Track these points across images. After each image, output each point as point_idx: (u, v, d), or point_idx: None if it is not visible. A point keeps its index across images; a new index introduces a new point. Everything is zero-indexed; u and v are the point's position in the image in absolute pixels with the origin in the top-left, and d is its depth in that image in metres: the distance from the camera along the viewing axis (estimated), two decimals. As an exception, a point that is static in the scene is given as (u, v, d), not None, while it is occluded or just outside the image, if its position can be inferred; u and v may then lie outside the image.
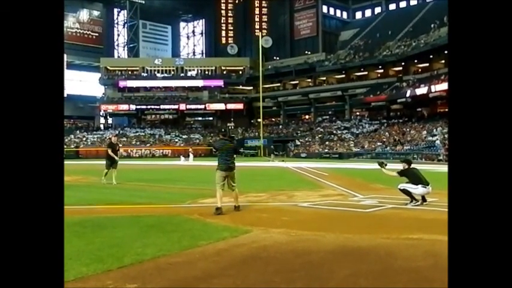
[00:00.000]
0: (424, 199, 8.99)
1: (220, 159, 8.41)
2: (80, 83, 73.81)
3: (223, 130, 9.29)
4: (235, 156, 8.68)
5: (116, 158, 15.38)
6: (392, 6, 72.54)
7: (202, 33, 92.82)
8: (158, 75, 72.53)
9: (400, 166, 9.61)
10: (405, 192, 9.02)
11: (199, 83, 71.70)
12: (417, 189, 8.94)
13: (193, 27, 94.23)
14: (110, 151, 15.51)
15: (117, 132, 64.47)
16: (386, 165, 9.72)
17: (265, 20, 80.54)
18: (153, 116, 72.05)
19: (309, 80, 67.39)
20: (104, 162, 15.94)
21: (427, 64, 51.55)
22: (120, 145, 18.23)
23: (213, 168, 8.80)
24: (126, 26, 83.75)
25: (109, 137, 29.51)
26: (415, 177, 9.12)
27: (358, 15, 77.42)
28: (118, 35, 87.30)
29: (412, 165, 9.58)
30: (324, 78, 65.48)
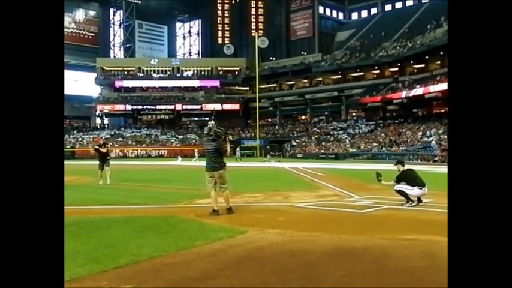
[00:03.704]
0: (419, 200, 9.02)
1: (205, 159, 8.33)
2: (76, 83, 73.63)
3: (205, 128, 9.43)
4: (233, 154, 8.55)
5: (105, 155, 15.67)
6: (388, 7, 72.72)
7: (198, 34, 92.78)
8: (154, 75, 72.42)
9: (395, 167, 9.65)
10: (401, 193, 9.04)
11: (196, 83, 71.61)
12: (413, 191, 8.96)
13: (190, 27, 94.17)
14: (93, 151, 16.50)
15: (112, 132, 64.52)
16: (381, 176, 9.70)
17: (262, 20, 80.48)
18: (149, 116, 71.92)
19: (305, 80, 67.41)
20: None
21: (423, 65, 51.71)
22: (109, 145, 18.73)
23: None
24: (122, 26, 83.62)
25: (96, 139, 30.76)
26: (411, 179, 9.15)
27: (354, 16, 77.57)
28: (114, 35, 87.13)
29: (407, 166, 9.61)
30: (320, 78, 65.51)
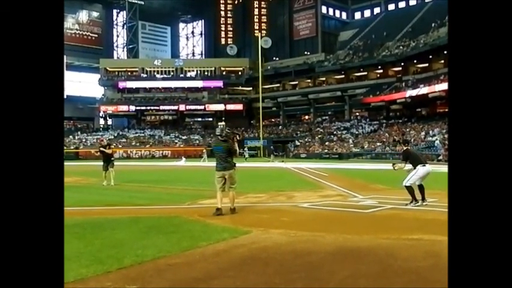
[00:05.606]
0: (423, 198, 9.00)
1: (216, 160, 8.48)
2: (80, 84, 73.84)
3: (217, 130, 9.52)
4: (239, 155, 8.66)
5: (109, 156, 15.75)
6: (391, 7, 72.57)
7: (201, 34, 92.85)
8: (158, 76, 72.52)
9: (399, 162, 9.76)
10: (409, 190, 9.01)
11: (199, 83, 71.66)
12: (418, 171, 9.07)
13: (193, 28, 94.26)
14: (98, 151, 16.47)
15: (116, 133, 64.71)
16: (395, 164, 9.84)
17: (265, 20, 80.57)
18: (153, 117, 72.07)
19: (309, 80, 67.37)
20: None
21: (427, 64, 51.57)
22: (113, 146, 18.93)
23: (213, 169, 8.81)
24: (125, 27, 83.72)
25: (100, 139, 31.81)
26: (415, 157, 9.41)
27: (358, 15, 77.44)
28: (117, 36, 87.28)
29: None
30: (324, 78, 65.46)
